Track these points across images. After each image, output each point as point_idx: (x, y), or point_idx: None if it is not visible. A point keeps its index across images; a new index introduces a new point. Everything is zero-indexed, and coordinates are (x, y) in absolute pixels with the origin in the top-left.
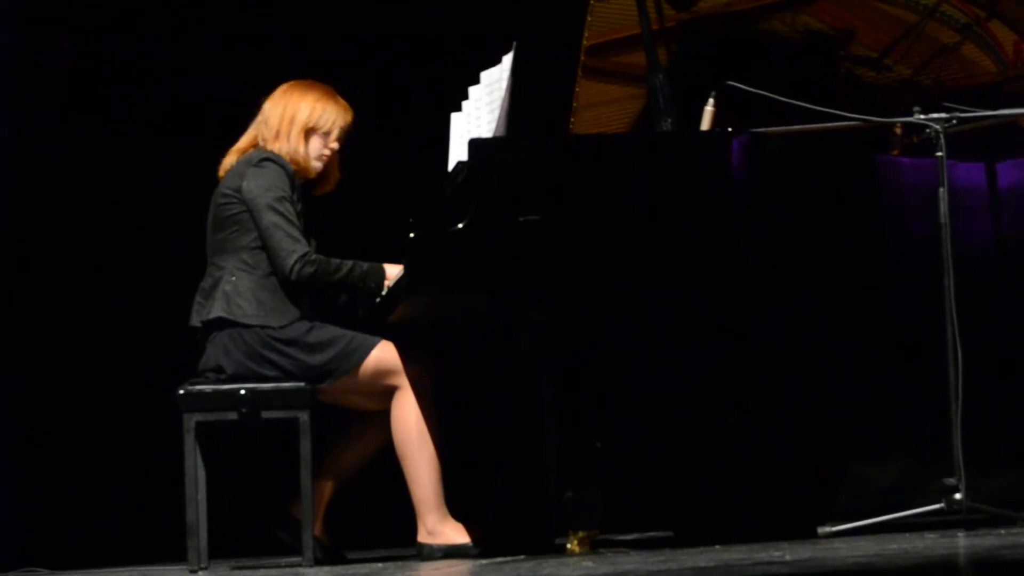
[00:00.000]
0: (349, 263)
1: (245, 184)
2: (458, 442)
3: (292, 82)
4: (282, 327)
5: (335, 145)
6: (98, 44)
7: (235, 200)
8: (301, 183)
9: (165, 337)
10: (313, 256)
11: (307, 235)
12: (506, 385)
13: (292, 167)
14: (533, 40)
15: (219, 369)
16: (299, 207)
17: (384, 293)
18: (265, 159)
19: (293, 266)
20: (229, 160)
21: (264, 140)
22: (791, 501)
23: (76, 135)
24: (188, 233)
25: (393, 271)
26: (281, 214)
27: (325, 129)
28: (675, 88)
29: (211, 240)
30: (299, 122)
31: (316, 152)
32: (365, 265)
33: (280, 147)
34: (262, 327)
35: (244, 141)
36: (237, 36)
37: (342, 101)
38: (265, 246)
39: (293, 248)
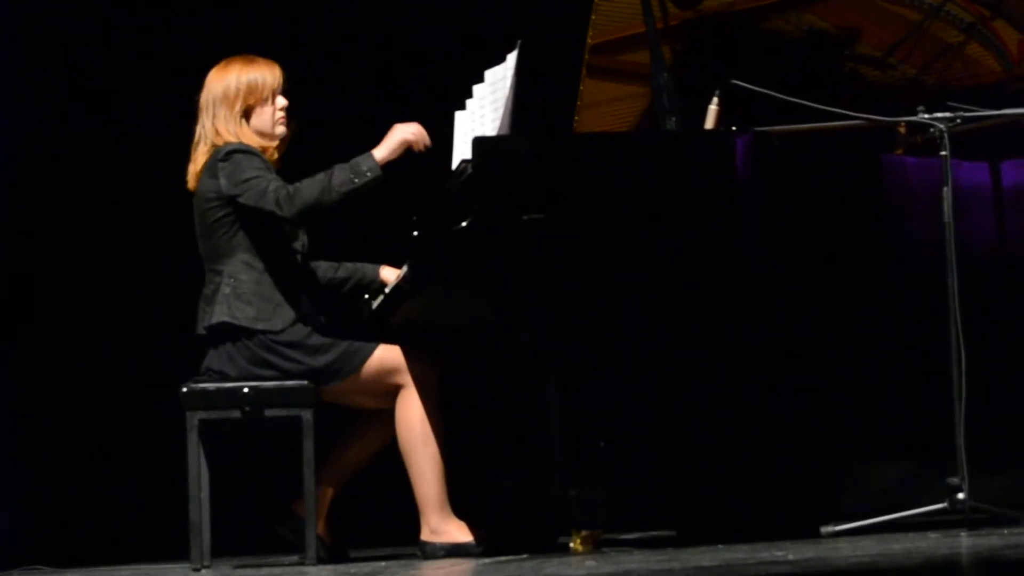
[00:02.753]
0: (325, 173)
1: (223, 182)
2: (462, 441)
3: (209, 74)
4: (283, 330)
5: (283, 102)
6: (98, 43)
7: (217, 203)
8: (274, 162)
9: (169, 335)
10: (291, 186)
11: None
12: (509, 384)
13: (257, 150)
14: (538, 39)
15: (223, 374)
16: None
17: (387, 291)
18: (230, 152)
19: (283, 205)
20: (193, 168)
21: (213, 141)
22: (794, 501)
23: (77, 136)
24: (191, 232)
25: (388, 144)
26: (253, 176)
27: (262, 96)
28: (679, 87)
29: (204, 247)
30: (229, 107)
31: (268, 122)
32: (345, 165)
33: (229, 141)
34: (263, 332)
35: (200, 149)
36: (239, 34)
37: (261, 61)
38: (253, 210)
39: (267, 187)
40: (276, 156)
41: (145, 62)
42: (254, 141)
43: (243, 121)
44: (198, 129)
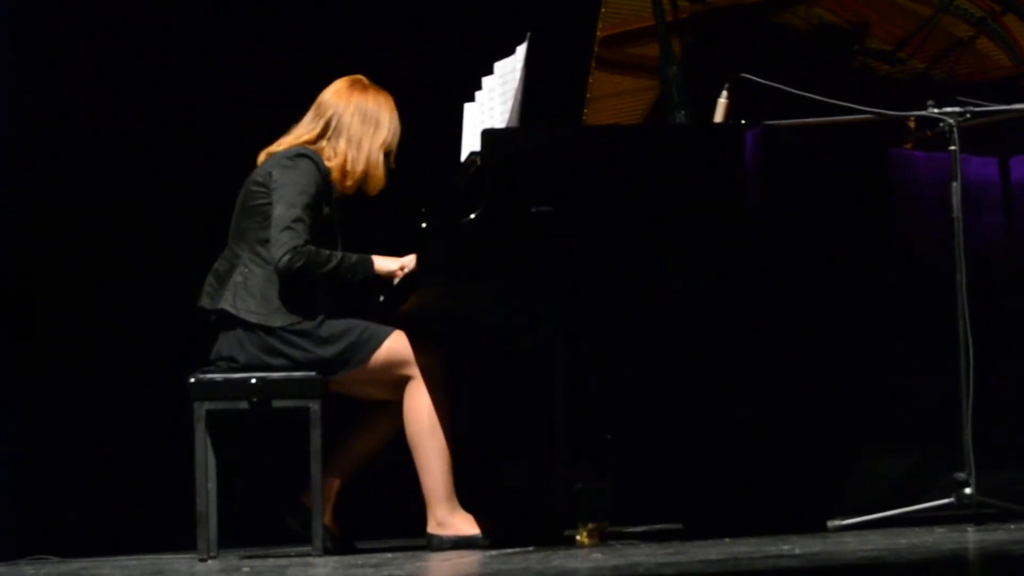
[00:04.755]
0: (338, 255)
1: (275, 173)
2: (468, 433)
3: (367, 86)
4: (287, 325)
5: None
6: (97, 43)
7: (264, 191)
8: (349, 192)
9: (177, 325)
10: (304, 248)
11: (332, 242)
12: (516, 376)
13: (327, 167)
14: (547, 31)
15: (232, 359)
16: (327, 211)
17: (394, 283)
18: (300, 155)
19: (283, 258)
20: (272, 148)
21: (328, 139)
22: (801, 494)
23: (82, 117)
24: (201, 220)
25: (381, 263)
26: (293, 207)
27: (393, 147)
28: (688, 80)
29: (235, 224)
30: (382, 142)
31: (382, 173)
32: (354, 257)
33: (351, 154)
34: (265, 327)
35: (307, 135)
36: (248, 25)
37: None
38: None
39: (287, 240)
40: (351, 187)
41: (144, 62)
42: (356, 173)
43: (381, 156)
44: (319, 114)
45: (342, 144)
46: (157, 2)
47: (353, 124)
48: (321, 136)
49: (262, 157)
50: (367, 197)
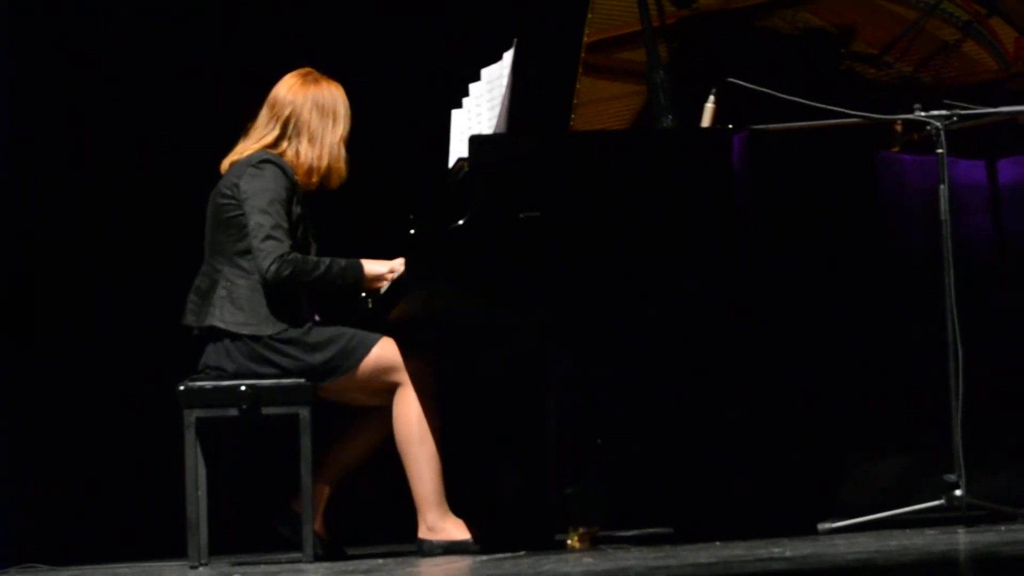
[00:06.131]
0: (326, 260)
1: (242, 184)
2: (459, 438)
3: (319, 78)
4: (277, 333)
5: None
6: (96, 43)
7: (233, 202)
8: (313, 188)
9: (167, 333)
10: (290, 256)
11: (305, 239)
12: (507, 382)
13: (292, 170)
14: (534, 37)
15: (221, 369)
16: (298, 211)
17: (383, 289)
18: (265, 161)
19: (270, 267)
20: (234, 156)
21: (288, 139)
22: (791, 497)
23: (75, 131)
24: (189, 229)
25: (371, 266)
26: (269, 215)
27: (348, 133)
28: (676, 85)
29: (209, 238)
30: (341, 135)
31: (345, 160)
32: (343, 261)
33: (314, 151)
34: (254, 337)
35: (267, 137)
36: (237, 30)
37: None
38: (250, 246)
39: (272, 249)
40: (316, 183)
41: (143, 62)
42: (321, 169)
43: (343, 147)
44: (268, 119)
45: (304, 142)
46: (154, 10)
47: (312, 120)
48: (281, 137)
49: (225, 166)
50: (352, 202)
